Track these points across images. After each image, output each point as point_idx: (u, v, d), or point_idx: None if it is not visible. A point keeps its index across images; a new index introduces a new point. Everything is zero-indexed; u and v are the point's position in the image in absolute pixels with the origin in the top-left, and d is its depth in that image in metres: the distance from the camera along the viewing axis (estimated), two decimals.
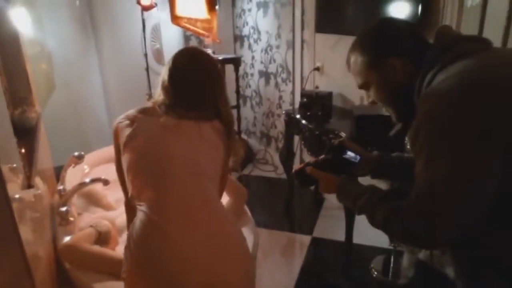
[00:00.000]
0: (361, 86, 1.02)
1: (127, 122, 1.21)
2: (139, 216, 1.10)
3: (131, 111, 1.25)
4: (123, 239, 1.57)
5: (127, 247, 1.09)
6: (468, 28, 1.79)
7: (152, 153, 1.17)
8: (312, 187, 1.19)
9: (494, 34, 1.67)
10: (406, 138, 1.27)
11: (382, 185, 1.13)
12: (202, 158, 1.20)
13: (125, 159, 1.18)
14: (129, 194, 1.18)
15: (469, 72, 0.80)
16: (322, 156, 1.15)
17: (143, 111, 1.25)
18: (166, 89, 1.26)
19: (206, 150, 1.22)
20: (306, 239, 2.57)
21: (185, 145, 1.19)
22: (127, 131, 1.19)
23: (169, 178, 1.14)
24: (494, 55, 0.87)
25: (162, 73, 1.28)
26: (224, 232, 1.15)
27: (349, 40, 2.60)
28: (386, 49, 0.94)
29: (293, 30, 3.06)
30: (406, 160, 1.13)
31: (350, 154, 1.15)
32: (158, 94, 1.28)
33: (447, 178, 0.76)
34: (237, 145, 1.34)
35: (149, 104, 1.28)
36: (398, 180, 1.24)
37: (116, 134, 1.23)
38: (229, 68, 3.60)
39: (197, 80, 1.26)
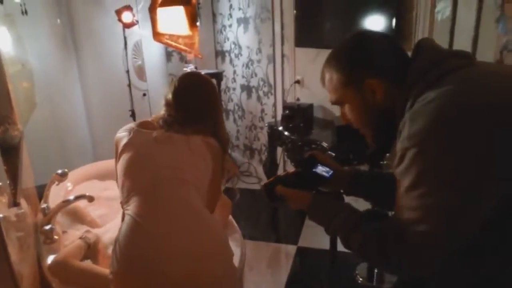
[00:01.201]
0: (334, 103, 0.95)
1: (125, 133, 1.32)
2: (126, 220, 1.17)
3: (131, 124, 1.36)
4: None
5: (113, 250, 1.14)
6: (439, 40, 1.87)
7: (142, 161, 1.26)
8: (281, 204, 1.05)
9: (463, 44, 1.76)
10: (385, 158, 1.22)
11: (357, 203, 1.05)
12: (187, 166, 1.28)
13: (118, 166, 1.28)
14: (120, 201, 1.25)
15: (460, 91, 0.73)
16: (292, 170, 1.06)
17: (141, 125, 1.36)
18: (169, 105, 1.36)
19: (193, 160, 1.29)
20: (291, 249, 2.60)
21: (172, 154, 1.28)
22: (124, 141, 1.29)
23: (153, 183, 1.22)
24: (482, 70, 0.82)
25: (166, 92, 1.39)
26: (204, 230, 1.21)
27: (328, 54, 2.69)
28: (362, 69, 0.87)
29: (273, 45, 3.14)
30: (384, 177, 1.05)
31: (321, 168, 1.04)
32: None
33: (434, 205, 0.71)
34: (230, 164, 1.42)
35: (149, 119, 1.39)
36: (374, 198, 1.14)
37: (116, 144, 1.33)
38: None
39: (198, 97, 1.37)
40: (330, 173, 1.04)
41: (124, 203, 1.23)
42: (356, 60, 0.88)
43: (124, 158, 1.27)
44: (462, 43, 1.78)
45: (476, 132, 0.68)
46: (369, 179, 1.09)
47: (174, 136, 1.29)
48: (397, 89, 0.83)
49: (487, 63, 1.35)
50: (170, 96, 1.37)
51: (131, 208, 1.19)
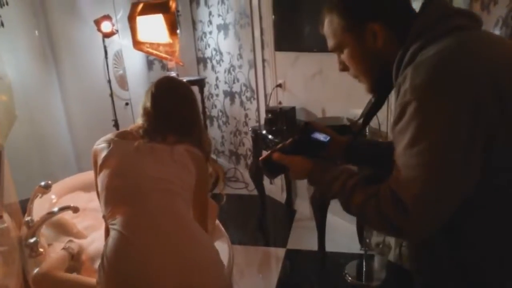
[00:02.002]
0: (333, 49, 0.93)
1: (104, 145, 1.27)
2: (112, 234, 1.15)
3: (109, 135, 1.32)
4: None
5: (100, 265, 1.12)
6: None
7: (124, 173, 1.23)
8: (282, 175, 1.09)
9: None
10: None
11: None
12: (172, 177, 1.25)
13: (100, 179, 1.24)
14: (102, 215, 1.21)
15: (466, 48, 0.73)
16: (289, 140, 1.03)
17: (120, 135, 1.32)
18: (148, 114, 1.33)
19: (177, 171, 1.27)
20: (280, 252, 2.61)
21: (155, 164, 1.25)
22: (104, 153, 1.25)
23: (139, 196, 1.20)
24: (488, 34, 0.80)
25: (144, 100, 1.36)
26: (194, 242, 1.20)
27: (307, 57, 2.73)
28: (366, 13, 0.84)
29: (253, 50, 3.17)
30: (380, 145, 1.05)
31: (318, 134, 1.02)
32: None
33: (433, 162, 0.70)
34: (217, 167, 1.41)
35: (128, 129, 1.35)
36: (371, 165, 1.11)
37: (94, 156, 1.29)
38: (194, 89, 3.63)
39: (177, 101, 1.36)
40: (327, 139, 1.02)
41: (108, 217, 1.20)
42: (360, 4, 0.86)
43: (106, 171, 1.23)
44: None
45: (478, 89, 0.68)
46: (366, 146, 1.08)
47: (156, 146, 1.27)
48: (398, 38, 0.82)
49: (490, 32, 1.26)
50: (148, 104, 1.34)
51: (117, 222, 1.15)
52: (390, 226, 0.74)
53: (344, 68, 0.94)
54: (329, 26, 0.91)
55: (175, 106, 1.35)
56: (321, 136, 1.02)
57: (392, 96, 0.86)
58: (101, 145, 1.28)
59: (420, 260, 0.91)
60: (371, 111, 0.98)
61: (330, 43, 0.92)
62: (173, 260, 1.11)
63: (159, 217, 1.17)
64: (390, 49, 0.83)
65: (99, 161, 1.25)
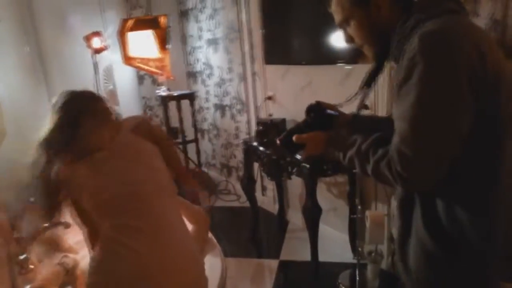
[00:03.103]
0: (340, 23, 1.03)
1: (57, 175, 1.27)
2: (101, 243, 1.19)
3: (57, 167, 1.29)
4: None
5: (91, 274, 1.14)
6: None
7: (106, 187, 1.25)
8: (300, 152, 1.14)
9: None
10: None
11: None
12: (144, 175, 1.30)
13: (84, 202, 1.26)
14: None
15: (459, 24, 0.87)
16: (303, 120, 1.14)
17: (71, 160, 1.29)
18: (70, 125, 1.33)
19: (144, 162, 1.32)
20: (274, 263, 2.61)
21: (121, 171, 1.28)
22: (75, 181, 1.25)
23: (120, 210, 1.23)
24: (470, 21, 0.94)
25: (51, 120, 1.37)
26: (180, 246, 1.26)
27: (297, 69, 2.78)
28: None
29: (243, 64, 3.21)
30: (380, 118, 1.15)
31: (329, 111, 1.15)
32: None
33: (435, 113, 0.81)
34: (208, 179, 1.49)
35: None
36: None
37: (59, 184, 1.28)
38: (185, 103, 3.67)
39: (85, 102, 1.43)
40: (337, 114, 1.16)
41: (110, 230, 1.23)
42: None
43: (89, 193, 1.25)
44: None
45: (469, 54, 0.81)
46: (367, 119, 1.17)
47: (106, 155, 1.29)
48: (398, 11, 0.94)
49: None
50: (60, 115, 1.36)
51: (107, 231, 1.19)
52: (401, 180, 0.83)
53: (350, 40, 1.04)
54: (337, 3, 1.01)
55: (84, 105, 1.40)
56: (331, 112, 1.15)
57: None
58: (56, 177, 1.27)
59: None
60: (370, 76, 1.08)
61: (338, 17, 1.02)
62: (162, 260, 1.18)
63: (161, 228, 1.23)
64: (391, 20, 0.94)
65: (72, 188, 1.26)
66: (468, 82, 0.80)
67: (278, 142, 1.14)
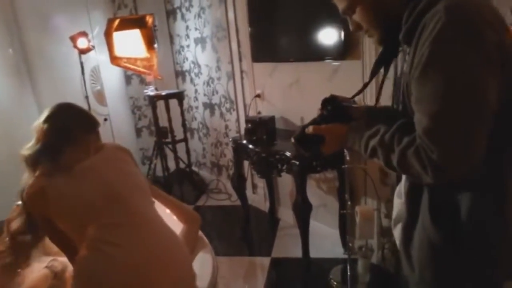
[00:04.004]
0: (345, 10, 0.97)
1: (38, 189, 1.27)
2: (85, 246, 1.19)
3: (34, 181, 1.29)
4: None
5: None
6: None
7: (86, 193, 1.28)
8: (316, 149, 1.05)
9: None
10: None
11: None
12: (122, 183, 1.33)
13: (61, 218, 1.28)
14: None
15: (472, 1, 0.79)
16: (318, 114, 1.07)
17: (47, 174, 1.30)
18: (60, 133, 1.36)
19: (122, 171, 1.37)
20: (265, 261, 2.61)
21: (100, 182, 1.30)
22: (49, 196, 1.25)
23: (100, 224, 1.24)
24: None
25: (42, 127, 1.37)
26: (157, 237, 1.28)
27: (285, 66, 2.78)
28: None
29: (231, 62, 3.21)
30: (395, 111, 1.05)
31: (345, 103, 1.08)
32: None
33: (471, 88, 0.74)
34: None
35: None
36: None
37: (36, 203, 1.29)
38: (174, 102, 3.66)
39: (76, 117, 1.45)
40: (354, 106, 1.08)
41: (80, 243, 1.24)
42: None
43: (60, 212, 1.26)
44: None
45: (487, 30, 0.75)
46: (384, 112, 1.10)
47: (88, 164, 1.32)
48: None
49: None
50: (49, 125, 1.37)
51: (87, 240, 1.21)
52: (435, 167, 0.75)
53: (357, 27, 0.98)
54: None
55: (69, 115, 1.42)
56: (348, 104, 1.08)
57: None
58: (35, 192, 1.27)
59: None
60: (379, 62, 1.02)
61: (342, 5, 0.96)
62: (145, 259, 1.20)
63: (141, 222, 1.26)
64: (398, 2, 0.87)
65: (47, 206, 1.26)
66: (498, 55, 0.75)
67: (292, 140, 1.07)
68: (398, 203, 1.01)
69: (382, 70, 1.02)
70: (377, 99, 1.10)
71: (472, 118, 0.74)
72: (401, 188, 1.00)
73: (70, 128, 1.37)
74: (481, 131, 0.75)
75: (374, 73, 1.03)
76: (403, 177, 0.99)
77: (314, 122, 1.04)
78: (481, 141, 0.75)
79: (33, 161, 1.31)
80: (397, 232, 1.00)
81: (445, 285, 0.91)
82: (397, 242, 0.99)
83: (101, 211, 1.23)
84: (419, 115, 0.78)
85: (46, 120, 1.36)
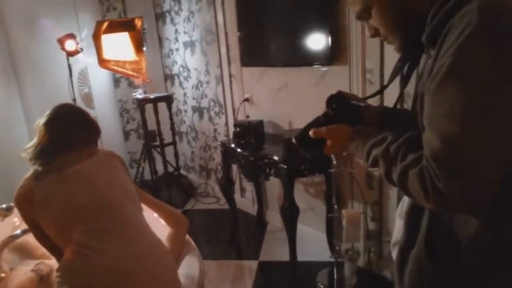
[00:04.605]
0: (360, 14, 0.85)
1: (26, 192, 1.27)
2: (70, 251, 1.19)
3: (25, 183, 1.30)
4: None
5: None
6: (370, 54, 2.04)
7: (74, 198, 1.27)
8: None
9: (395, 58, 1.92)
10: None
11: None
12: (111, 188, 1.33)
13: (47, 222, 1.27)
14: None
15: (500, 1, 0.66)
16: (322, 113, 0.96)
17: (36, 177, 1.30)
18: (55, 134, 1.36)
19: (111, 177, 1.37)
20: (253, 264, 2.62)
21: (89, 186, 1.30)
22: (36, 199, 1.25)
23: (87, 229, 1.23)
24: None
25: (42, 129, 1.37)
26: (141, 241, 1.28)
27: (273, 71, 2.79)
28: None
29: (220, 66, 3.22)
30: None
31: (353, 102, 0.96)
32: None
33: (499, 110, 0.61)
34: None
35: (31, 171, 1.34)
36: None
37: (23, 206, 1.29)
38: (162, 106, 3.65)
39: (75, 120, 1.44)
40: (364, 105, 0.97)
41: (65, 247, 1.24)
42: None
43: (53, 210, 1.26)
44: (393, 57, 1.93)
45: None
46: (399, 114, 1.01)
47: (78, 168, 1.31)
48: None
49: None
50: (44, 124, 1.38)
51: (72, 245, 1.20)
52: (439, 196, 0.65)
53: (375, 33, 0.87)
54: None
55: (70, 119, 1.43)
56: (356, 103, 0.96)
57: None
58: (24, 194, 1.28)
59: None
60: (396, 72, 0.91)
61: (357, 8, 0.85)
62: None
63: (125, 227, 1.25)
64: (419, 3, 0.76)
65: (33, 208, 1.27)
66: None
67: (293, 140, 0.98)
68: (399, 225, 0.93)
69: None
70: (395, 106, 1.00)
71: (490, 150, 0.62)
72: (402, 208, 0.94)
73: (72, 135, 1.38)
74: (499, 166, 0.64)
75: (391, 80, 0.92)
76: (405, 196, 0.91)
77: (317, 121, 0.95)
78: (497, 176, 0.64)
79: (31, 162, 1.32)
80: (395, 254, 0.93)
81: None
82: (394, 263, 0.93)
83: (87, 216, 1.23)
84: (429, 134, 0.67)
85: (48, 123, 1.37)
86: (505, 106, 0.62)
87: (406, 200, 0.91)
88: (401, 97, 0.98)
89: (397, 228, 0.97)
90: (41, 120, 1.39)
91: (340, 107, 0.94)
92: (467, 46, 0.62)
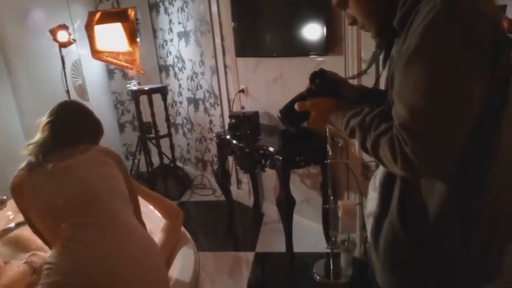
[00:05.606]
0: (338, 3, 0.93)
1: (18, 182, 1.29)
2: (57, 245, 1.18)
3: (18, 173, 1.32)
4: None
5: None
6: (367, 42, 2.02)
7: (61, 192, 1.26)
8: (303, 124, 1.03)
9: None
10: None
11: None
12: (100, 185, 1.31)
13: (35, 215, 1.28)
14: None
15: None
16: (306, 89, 1.03)
17: (29, 169, 1.31)
18: (52, 127, 1.38)
19: (102, 174, 1.35)
20: (250, 255, 2.62)
21: (78, 181, 1.29)
22: (26, 191, 1.27)
23: (74, 223, 1.22)
24: None
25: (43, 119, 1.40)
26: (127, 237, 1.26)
27: (268, 61, 2.77)
28: None
29: (215, 57, 3.19)
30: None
31: (334, 78, 1.04)
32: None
33: (459, 84, 0.70)
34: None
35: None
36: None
37: (16, 196, 1.30)
38: (157, 97, 3.62)
39: (77, 115, 1.47)
40: (343, 81, 1.05)
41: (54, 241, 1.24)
42: None
43: (41, 202, 1.26)
44: None
45: (492, 19, 0.72)
46: (374, 92, 1.07)
47: (70, 162, 1.30)
48: None
49: None
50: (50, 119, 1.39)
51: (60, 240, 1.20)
52: (406, 162, 0.72)
53: (352, 21, 0.94)
54: None
55: (73, 117, 1.45)
56: (337, 79, 1.04)
57: None
58: (16, 186, 1.29)
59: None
60: (375, 55, 0.99)
61: None
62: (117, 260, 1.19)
63: (113, 222, 1.24)
64: None
65: (25, 199, 1.28)
66: (489, 54, 0.72)
67: (279, 114, 1.04)
68: (373, 197, 1.00)
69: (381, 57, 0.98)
70: (376, 82, 1.07)
71: (452, 118, 0.71)
72: (375, 181, 1.00)
73: (74, 134, 1.40)
74: (460, 133, 0.72)
75: (370, 64, 1.01)
76: (378, 170, 0.99)
77: (301, 96, 1.02)
78: (458, 144, 0.72)
79: (30, 157, 1.34)
80: (369, 225, 1.00)
81: (407, 279, 0.91)
82: (368, 233, 1.00)
83: (74, 210, 1.22)
84: (398, 106, 0.75)
85: (52, 120, 1.38)
86: (464, 81, 0.70)
87: (378, 173, 0.97)
88: (377, 80, 1.06)
89: (371, 200, 1.03)
90: (45, 117, 1.40)
91: (323, 82, 1.01)
92: (430, 28, 0.71)
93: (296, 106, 0.99)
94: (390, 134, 0.75)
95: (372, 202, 1.00)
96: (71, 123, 1.42)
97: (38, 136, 1.37)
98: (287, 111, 1.02)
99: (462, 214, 0.80)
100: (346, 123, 0.89)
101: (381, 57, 0.97)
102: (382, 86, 0.97)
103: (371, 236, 0.97)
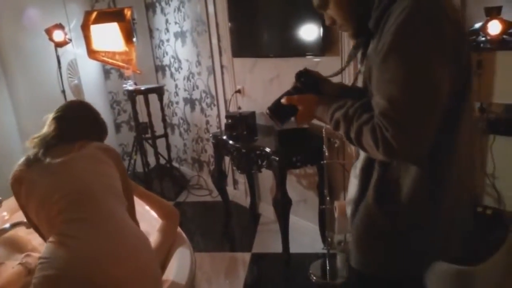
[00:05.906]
0: (319, 5, 1.01)
1: (17, 177, 1.31)
2: (51, 240, 1.18)
3: (17, 168, 1.35)
4: None
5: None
6: None
7: (57, 188, 1.27)
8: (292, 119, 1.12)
9: None
10: None
11: None
12: (95, 180, 1.32)
13: (31, 209, 1.29)
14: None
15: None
16: (292, 87, 1.11)
17: (27, 164, 1.34)
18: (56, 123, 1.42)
19: (98, 171, 1.36)
20: (246, 256, 2.62)
21: (73, 177, 1.30)
22: (24, 185, 1.29)
23: (69, 218, 1.22)
24: None
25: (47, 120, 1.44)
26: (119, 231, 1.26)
27: (265, 62, 2.77)
28: None
29: (211, 57, 3.19)
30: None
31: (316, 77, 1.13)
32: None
33: (429, 77, 0.79)
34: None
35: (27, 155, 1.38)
36: None
37: (15, 190, 1.33)
38: (153, 97, 3.61)
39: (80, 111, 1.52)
40: (326, 79, 1.13)
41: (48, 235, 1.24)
42: None
43: (37, 195, 1.27)
44: None
45: (457, 18, 0.84)
46: (353, 89, 1.14)
47: (66, 159, 1.32)
48: None
49: None
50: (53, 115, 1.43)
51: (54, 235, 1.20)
52: (387, 147, 0.81)
53: (331, 22, 1.02)
54: None
55: (80, 115, 1.49)
56: (320, 77, 1.13)
57: None
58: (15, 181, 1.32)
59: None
60: (352, 54, 1.08)
61: (315, 1, 1.01)
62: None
63: (105, 218, 1.25)
64: None
65: (23, 192, 1.30)
66: (453, 51, 0.82)
67: (267, 111, 1.11)
68: (354, 184, 1.06)
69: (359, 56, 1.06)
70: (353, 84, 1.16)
71: (425, 106, 0.80)
72: (355, 170, 1.06)
73: (78, 133, 1.43)
74: (432, 119, 0.81)
75: (348, 63, 1.12)
76: (360, 157, 1.05)
77: (287, 93, 1.09)
78: (431, 129, 0.81)
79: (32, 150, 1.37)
80: (349, 210, 1.06)
81: (377, 257, 0.98)
82: (348, 216, 1.08)
83: (68, 206, 1.22)
84: (377, 97, 0.83)
85: (58, 117, 1.43)
86: (434, 72, 0.80)
87: (359, 162, 1.03)
88: (356, 77, 1.14)
89: (351, 187, 1.09)
90: (53, 113, 1.45)
91: (307, 80, 1.10)
92: (403, 26, 0.80)
93: (283, 100, 1.07)
94: (372, 122, 0.84)
95: (352, 188, 1.06)
96: (77, 121, 1.46)
97: (44, 130, 1.41)
98: (275, 108, 1.10)
99: (432, 192, 0.90)
100: (331, 116, 0.97)
101: (358, 55, 1.05)
102: (359, 83, 1.04)
103: (350, 217, 1.04)
